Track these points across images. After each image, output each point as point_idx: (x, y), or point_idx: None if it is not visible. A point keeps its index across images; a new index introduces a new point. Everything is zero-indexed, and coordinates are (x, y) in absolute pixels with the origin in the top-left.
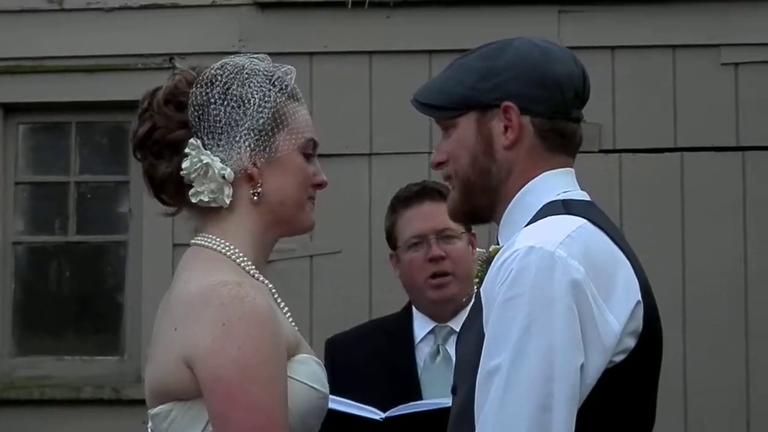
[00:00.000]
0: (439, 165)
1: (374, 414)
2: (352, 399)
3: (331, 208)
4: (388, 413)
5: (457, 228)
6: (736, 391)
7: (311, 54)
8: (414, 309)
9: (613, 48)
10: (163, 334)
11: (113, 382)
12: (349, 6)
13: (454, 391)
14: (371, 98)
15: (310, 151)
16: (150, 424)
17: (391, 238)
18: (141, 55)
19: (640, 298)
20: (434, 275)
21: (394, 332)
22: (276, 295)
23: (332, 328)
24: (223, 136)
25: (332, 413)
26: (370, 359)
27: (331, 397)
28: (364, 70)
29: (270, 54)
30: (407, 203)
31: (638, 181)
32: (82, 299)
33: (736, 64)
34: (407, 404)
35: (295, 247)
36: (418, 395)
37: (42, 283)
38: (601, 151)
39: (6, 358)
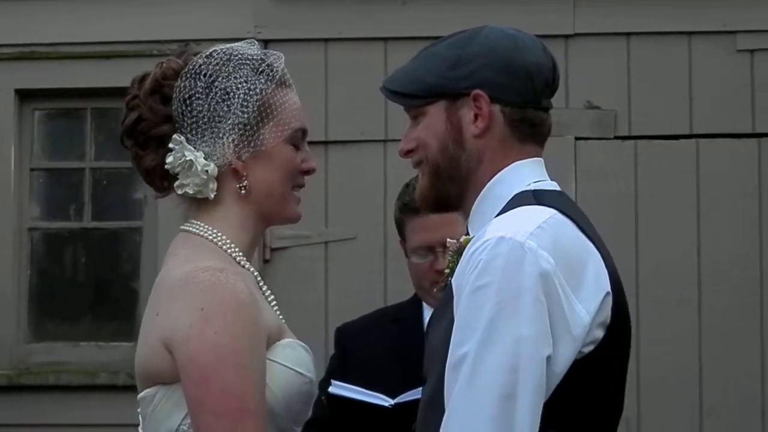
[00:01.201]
0: (408, 153)
1: (383, 401)
2: (362, 386)
3: (346, 195)
4: (397, 399)
5: None
6: (751, 379)
7: (326, 40)
8: None
9: (628, 34)
10: (147, 319)
11: (128, 368)
12: None
13: (424, 380)
14: None
15: (299, 141)
16: (139, 408)
17: (400, 232)
18: (157, 42)
19: (609, 290)
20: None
21: (404, 320)
22: (262, 284)
23: (347, 315)
24: (206, 131)
25: (341, 400)
26: (380, 347)
27: (340, 384)
28: (379, 57)
29: (284, 40)
30: (415, 212)
31: (653, 168)
32: (98, 285)
33: (752, 51)
34: (416, 390)
35: (309, 234)
36: None
37: (57, 269)
38: (616, 138)
39: (21, 343)
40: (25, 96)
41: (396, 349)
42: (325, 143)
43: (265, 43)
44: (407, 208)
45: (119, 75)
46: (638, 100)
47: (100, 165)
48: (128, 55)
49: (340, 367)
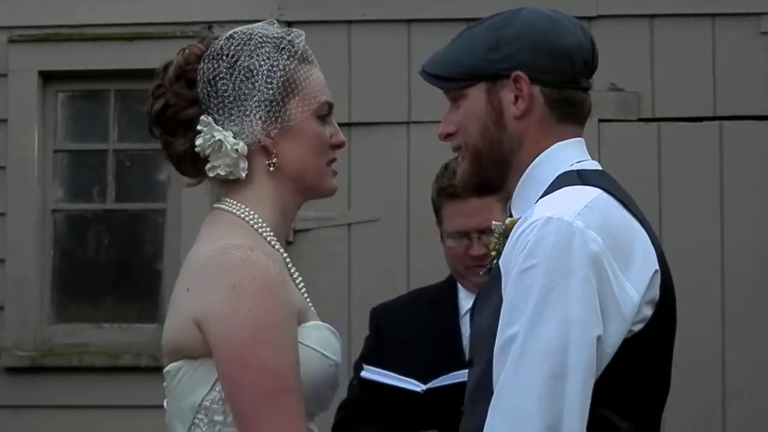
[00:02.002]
0: (447, 136)
1: (415, 386)
2: (395, 370)
3: (370, 177)
4: (429, 385)
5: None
6: None
7: (349, 22)
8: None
9: (651, 16)
10: (177, 295)
11: (151, 349)
12: None
13: (470, 363)
14: (410, 67)
15: (325, 113)
16: (165, 382)
17: (437, 214)
18: (180, 23)
19: (657, 267)
20: (475, 266)
21: (440, 303)
22: (290, 266)
23: (370, 296)
24: (233, 110)
25: (373, 385)
26: (416, 329)
27: (372, 369)
28: (402, 39)
29: (308, 22)
30: (452, 196)
31: (677, 150)
32: (121, 267)
33: None
34: (447, 375)
35: (333, 215)
36: (462, 367)
37: (81, 251)
38: (639, 120)
39: (45, 324)
40: (48, 78)
41: (430, 331)
42: (348, 125)
43: (288, 24)
44: (444, 192)
45: (143, 57)
46: (661, 82)
47: (123, 147)
48: (152, 36)
49: (374, 350)
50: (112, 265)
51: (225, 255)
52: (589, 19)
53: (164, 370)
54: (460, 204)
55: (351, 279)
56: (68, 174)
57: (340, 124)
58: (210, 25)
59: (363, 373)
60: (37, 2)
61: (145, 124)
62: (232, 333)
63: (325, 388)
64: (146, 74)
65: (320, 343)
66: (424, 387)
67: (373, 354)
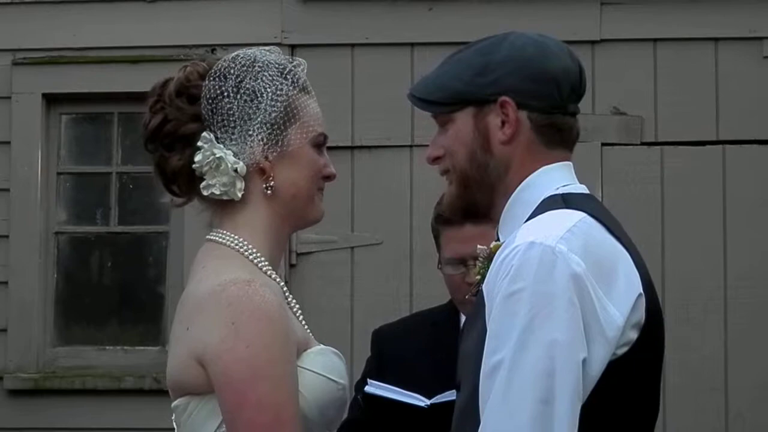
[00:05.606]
0: (435, 160)
1: (419, 401)
2: (398, 386)
3: (373, 200)
4: (433, 400)
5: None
6: None
7: (353, 46)
8: None
9: (655, 41)
10: (177, 332)
11: (154, 372)
12: None
13: (457, 387)
14: None
15: (321, 146)
16: (173, 416)
17: (436, 241)
18: (183, 47)
19: (641, 291)
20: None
21: (442, 325)
22: (287, 293)
23: (373, 320)
24: (236, 129)
25: (378, 400)
26: (419, 349)
27: (376, 384)
28: (405, 62)
29: (311, 45)
30: (448, 222)
31: (680, 174)
32: (124, 289)
33: None
34: (452, 391)
35: (336, 239)
36: None
37: (84, 273)
38: (643, 144)
39: (48, 347)
40: (52, 100)
41: (433, 350)
42: (351, 148)
43: (292, 48)
44: (441, 218)
45: (147, 80)
46: (665, 106)
47: (126, 169)
48: (156, 59)
49: (376, 368)
50: (115, 288)
51: (222, 291)
52: (593, 43)
53: (172, 405)
54: (455, 230)
55: (353, 302)
56: (71, 196)
57: (343, 148)
58: (213, 48)
59: (367, 388)
60: (41, 25)
61: (142, 139)
62: (231, 370)
63: (333, 411)
64: None
65: (326, 367)
66: (428, 402)
67: (374, 373)
